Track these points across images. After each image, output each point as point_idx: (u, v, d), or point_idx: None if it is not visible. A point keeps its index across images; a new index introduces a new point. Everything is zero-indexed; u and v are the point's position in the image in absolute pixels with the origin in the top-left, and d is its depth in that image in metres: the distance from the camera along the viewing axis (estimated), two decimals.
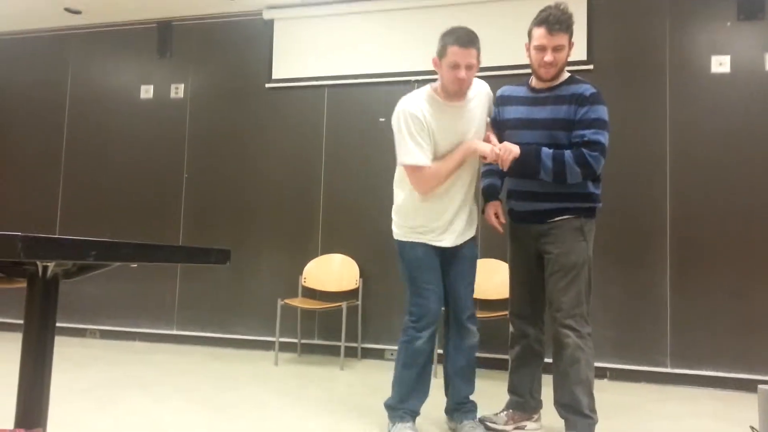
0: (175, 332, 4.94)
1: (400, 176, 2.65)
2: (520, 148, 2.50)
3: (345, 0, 4.73)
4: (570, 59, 2.58)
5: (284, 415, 2.93)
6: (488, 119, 2.71)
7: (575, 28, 2.55)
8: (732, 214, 3.89)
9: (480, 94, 2.65)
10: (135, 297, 5.04)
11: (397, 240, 2.68)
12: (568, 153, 2.44)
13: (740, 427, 2.91)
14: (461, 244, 2.66)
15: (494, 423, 2.72)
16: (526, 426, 2.76)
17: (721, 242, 3.90)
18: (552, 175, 2.46)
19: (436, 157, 2.54)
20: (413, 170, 2.53)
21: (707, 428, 2.92)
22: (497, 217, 2.74)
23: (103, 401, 3.07)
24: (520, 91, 2.67)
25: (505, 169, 2.54)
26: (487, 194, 2.80)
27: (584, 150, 2.43)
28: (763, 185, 3.85)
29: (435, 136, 2.53)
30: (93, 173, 5.28)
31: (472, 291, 2.71)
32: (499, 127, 2.71)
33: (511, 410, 2.76)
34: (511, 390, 2.79)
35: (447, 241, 2.62)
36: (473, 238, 2.71)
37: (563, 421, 2.54)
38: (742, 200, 3.88)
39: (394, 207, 2.71)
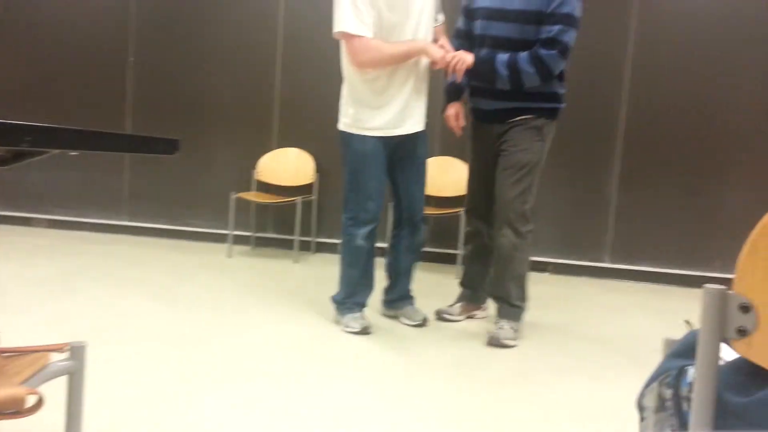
0: (126, 223, 4.86)
1: (347, 59, 2.54)
2: (475, 57, 2.46)
3: None
4: None
5: (238, 305, 2.98)
6: (439, 22, 2.64)
7: None
8: (686, 113, 3.96)
9: None
10: (83, 185, 4.89)
11: (344, 131, 2.60)
12: (523, 57, 2.41)
13: (674, 319, 3.13)
14: (415, 141, 2.63)
15: (449, 314, 2.87)
16: (476, 315, 2.93)
17: (672, 139, 3.99)
18: (509, 83, 2.45)
19: (382, 28, 2.45)
20: (350, 38, 2.43)
21: (640, 318, 3.14)
22: (457, 119, 2.72)
23: (60, 291, 3.05)
24: None
25: (459, 80, 2.53)
26: (449, 93, 2.76)
27: (541, 51, 2.40)
28: (718, 87, 3.91)
29: (375, 4, 2.43)
30: (28, 57, 4.91)
31: (424, 192, 2.76)
32: (470, 15, 2.64)
33: (463, 302, 2.91)
34: (464, 283, 2.92)
35: (405, 127, 2.57)
36: (425, 135, 2.68)
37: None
38: (697, 102, 3.94)
39: (343, 93, 2.62)
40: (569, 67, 2.57)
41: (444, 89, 2.78)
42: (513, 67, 2.41)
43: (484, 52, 2.52)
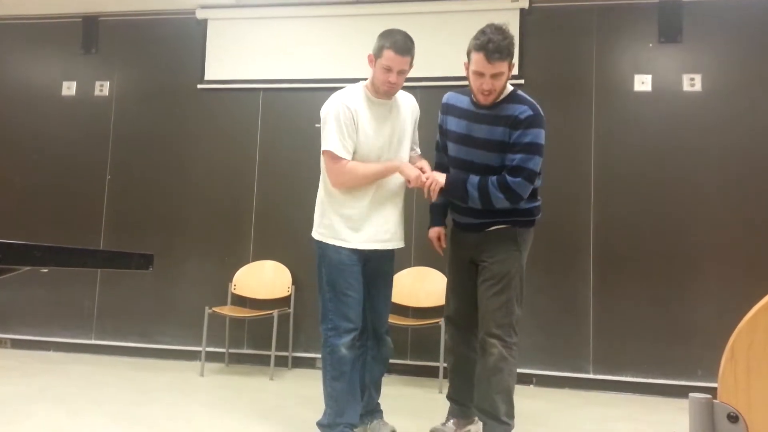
0: (93, 342, 4.69)
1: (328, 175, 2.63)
2: (447, 178, 2.56)
3: (281, 4, 4.66)
4: None
5: (211, 429, 2.82)
6: (417, 153, 2.80)
7: None
8: (651, 226, 4.08)
9: (408, 105, 2.72)
10: (50, 303, 4.75)
11: (320, 241, 2.61)
12: (492, 180, 2.49)
13: (661, 431, 3.03)
14: (384, 256, 2.67)
15: None
16: (469, 430, 2.79)
17: (640, 253, 4.07)
18: (479, 203, 2.52)
19: (358, 153, 2.56)
20: (332, 158, 2.54)
21: None
22: (439, 240, 2.81)
23: (13, 416, 2.86)
24: (463, 101, 2.67)
25: (434, 199, 2.61)
26: (434, 213, 2.85)
27: (508, 177, 2.48)
28: (681, 198, 4.05)
29: (361, 129, 2.55)
30: (9, 173, 4.96)
31: (390, 306, 2.78)
32: (443, 135, 2.75)
33: (455, 418, 2.78)
34: (451, 397, 2.81)
35: (384, 244, 2.61)
36: (393, 254, 2.73)
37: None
38: (661, 213, 4.07)
39: (320, 203, 2.65)
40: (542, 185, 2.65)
41: (429, 208, 2.87)
42: (483, 190, 2.49)
43: (453, 172, 2.62)
